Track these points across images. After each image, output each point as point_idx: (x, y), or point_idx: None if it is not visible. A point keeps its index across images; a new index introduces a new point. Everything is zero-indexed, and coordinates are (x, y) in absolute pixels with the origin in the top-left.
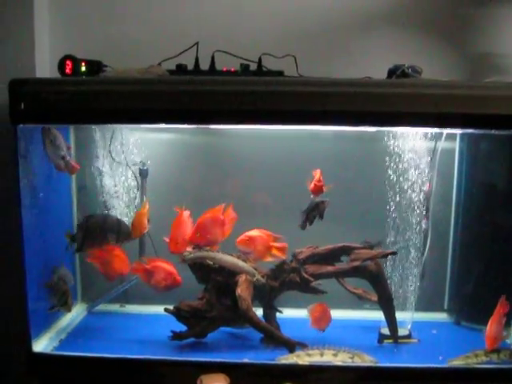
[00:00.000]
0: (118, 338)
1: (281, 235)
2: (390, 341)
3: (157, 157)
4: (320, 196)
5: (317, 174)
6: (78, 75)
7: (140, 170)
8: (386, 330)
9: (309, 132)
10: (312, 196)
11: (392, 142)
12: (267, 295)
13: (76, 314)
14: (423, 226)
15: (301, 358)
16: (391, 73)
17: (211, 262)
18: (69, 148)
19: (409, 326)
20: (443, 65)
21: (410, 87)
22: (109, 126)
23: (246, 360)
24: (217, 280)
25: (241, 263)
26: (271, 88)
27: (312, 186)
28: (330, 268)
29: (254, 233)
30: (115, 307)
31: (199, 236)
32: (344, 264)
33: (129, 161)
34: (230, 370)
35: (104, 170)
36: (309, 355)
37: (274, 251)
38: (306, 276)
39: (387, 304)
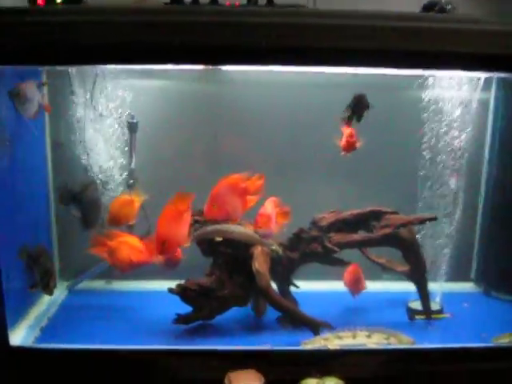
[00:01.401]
0: (107, 321)
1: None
2: (422, 317)
3: (149, 109)
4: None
5: (347, 129)
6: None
7: (128, 123)
8: (415, 304)
9: (329, 78)
10: (343, 153)
11: (427, 90)
12: (284, 268)
13: (56, 293)
14: (452, 185)
15: (330, 342)
16: (427, 9)
17: (220, 238)
18: (44, 84)
19: (438, 299)
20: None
21: (457, 23)
22: (91, 68)
23: (268, 346)
24: (227, 253)
25: (255, 234)
26: (287, 20)
27: (343, 142)
28: (356, 236)
29: (269, 208)
30: (100, 284)
31: (216, 208)
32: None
33: (115, 113)
34: (251, 359)
35: (86, 123)
36: (339, 337)
37: (278, 218)
38: (329, 246)
39: (420, 276)
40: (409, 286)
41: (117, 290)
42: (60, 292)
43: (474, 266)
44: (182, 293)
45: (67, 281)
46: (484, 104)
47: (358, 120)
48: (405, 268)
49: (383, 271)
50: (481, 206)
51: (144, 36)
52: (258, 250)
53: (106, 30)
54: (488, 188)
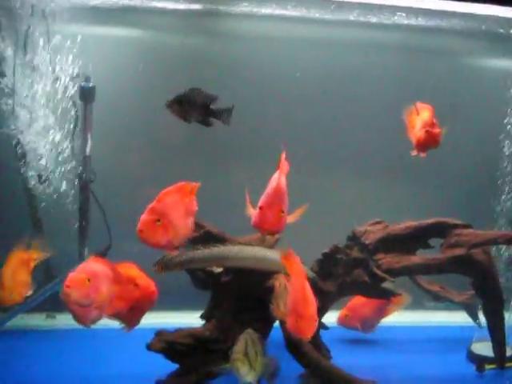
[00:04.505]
0: (50, 379)
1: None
2: (494, 366)
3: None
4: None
5: (426, 111)
6: None
7: (81, 88)
8: (480, 347)
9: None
10: (414, 152)
11: None
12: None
13: None
14: None
15: None
16: None
17: (218, 269)
18: None
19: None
20: None
21: None
22: None
23: None
24: (230, 287)
25: (273, 255)
26: None
27: (421, 134)
28: (416, 259)
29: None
30: (38, 319)
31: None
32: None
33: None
34: None
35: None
36: None
37: None
38: (379, 273)
39: (496, 310)
40: (462, 318)
41: (63, 328)
42: None
43: None
44: (168, 349)
45: None
46: None
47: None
48: (464, 298)
49: (436, 301)
50: None
51: None
52: (280, 283)
53: None
54: None
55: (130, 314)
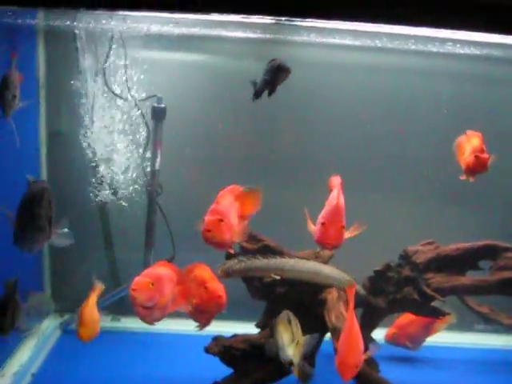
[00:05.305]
0: (115, 378)
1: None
2: None
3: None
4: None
5: (476, 138)
6: None
7: (153, 108)
8: None
9: None
10: (463, 176)
11: None
12: (363, 320)
13: (44, 333)
14: None
15: None
16: None
17: (276, 276)
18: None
19: None
20: None
21: None
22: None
23: None
24: (285, 297)
25: (327, 269)
26: None
27: (471, 159)
28: (465, 280)
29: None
30: (105, 320)
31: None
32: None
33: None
34: None
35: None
36: None
37: None
38: (429, 292)
39: None
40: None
41: (127, 330)
42: (50, 331)
43: None
44: (224, 353)
45: (61, 316)
46: None
47: (269, 94)
48: None
49: (485, 323)
50: None
51: None
52: (331, 296)
53: None
54: None
55: (199, 315)
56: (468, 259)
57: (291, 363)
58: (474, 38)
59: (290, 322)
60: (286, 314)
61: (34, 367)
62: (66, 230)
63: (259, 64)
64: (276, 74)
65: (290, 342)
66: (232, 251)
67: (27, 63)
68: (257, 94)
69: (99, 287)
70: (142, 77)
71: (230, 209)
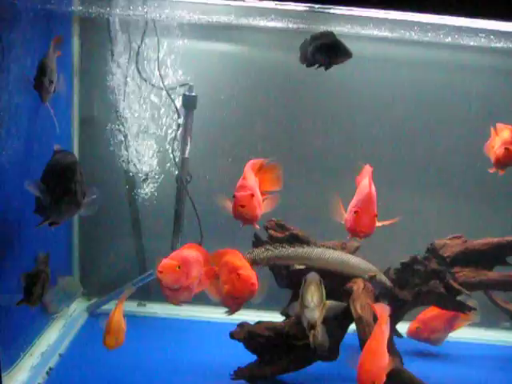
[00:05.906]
0: (139, 362)
1: None
2: None
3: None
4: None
5: (506, 131)
6: None
7: (185, 96)
8: None
9: None
10: (492, 169)
11: None
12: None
13: (72, 316)
14: None
15: None
16: None
17: (301, 266)
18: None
19: None
20: None
21: None
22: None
23: None
24: None
25: (354, 260)
26: None
27: (500, 151)
28: (493, 275)
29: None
30: (131, 306)
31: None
32: None
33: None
34: None
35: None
36: None
37: None
38: (455, 285)
39: None
40: None
41: (152, 316)
42: (78, 314)
43: None
44: (248, 340)
45: (88, 300)
46: None
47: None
48: None
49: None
50: None
51: None
52: (357, 286)
53: None
54: None
55: (229, 301)
56: (496, 254)
57: (313, 326)
58: None
59: (321, 282)
60: (314, 274)
61: (61, 348)
62: (94, 196)
63: (291, 54)
64: (337, 58)
65: (320, 303)
66: (257, 227)
67: (63, 50)
68: (309, 64)
69: (127, 294)
70: (174, 65)
71: (255, 184)
